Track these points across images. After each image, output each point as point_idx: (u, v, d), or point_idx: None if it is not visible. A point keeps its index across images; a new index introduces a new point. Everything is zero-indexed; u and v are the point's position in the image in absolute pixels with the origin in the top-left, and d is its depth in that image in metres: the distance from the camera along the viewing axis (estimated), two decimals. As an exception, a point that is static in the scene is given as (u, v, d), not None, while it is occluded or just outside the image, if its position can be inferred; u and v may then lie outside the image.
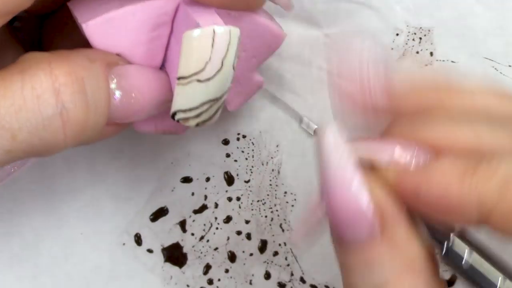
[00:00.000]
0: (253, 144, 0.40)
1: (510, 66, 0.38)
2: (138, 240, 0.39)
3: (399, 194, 0.26)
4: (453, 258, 0.25)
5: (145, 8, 0.29)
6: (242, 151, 0.40)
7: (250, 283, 0.39)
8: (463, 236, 0.26)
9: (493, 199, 0.24)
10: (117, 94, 0.29)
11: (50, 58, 0.28)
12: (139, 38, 0.30)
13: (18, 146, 0.27)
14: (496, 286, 0.25)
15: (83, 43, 0.31)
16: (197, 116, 0.30)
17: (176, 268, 0.39)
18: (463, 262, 0.25)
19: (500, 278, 0.25)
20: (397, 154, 0.26)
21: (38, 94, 0.27)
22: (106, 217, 0.39)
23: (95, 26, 0.29)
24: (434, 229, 0.26)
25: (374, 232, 0.26)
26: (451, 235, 0.25)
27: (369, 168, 0.27)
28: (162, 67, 0.32)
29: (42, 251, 0.39)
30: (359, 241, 0.26)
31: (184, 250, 0.39)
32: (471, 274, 0.25)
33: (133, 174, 0.40)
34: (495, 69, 0.38)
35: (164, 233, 0.39)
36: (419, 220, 0.26)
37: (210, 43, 0.28)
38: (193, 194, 0.40)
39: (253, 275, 0.39)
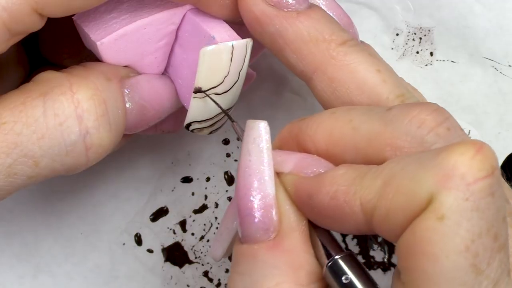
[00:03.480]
0: (253, 144, 0.40)
1: (510, 66, 0.38)
2: (138, 240, 0.39)
3: (296, 200, 0.26)
4: (331, 278, 0.25)
5: (155, 20, 0.29)
6: (242, 151, 0.40)
7: (250, 283, 0.39)
8: (350, 260, 0.25)
9: (373, 201, 0.23)
10: (130, 107, 0.29)
11: (71, 80, 0.27)
12: (147, 49, 0.30)
13: (40, 172, 0.27)
14: None
15: (82, 42, 0.31)
16: (212, 125, 0.31)
17: (176, 268, 0.39)
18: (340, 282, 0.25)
19: None
20: (298, 163, 0.27)
21: (61, 121, 0.27)
22: (106, 217, 0.39)
23: (109, 43, 0.29)
24: (327, 250, 0.26)
25: (268, 233, 0.26)
26: (335, 256, 0.25)
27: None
28: (165, 72, 0.32)
29: (42, 250, 0.39)
30: (252, 237, 0.26)
31: (184, 250, 0.39)
32: None
33: (133, 174, 0.40)
34: (495, 68, 0.39)
35: (164, 233, 0.39)
36: (318, 238, 0.26)
37: (229, 57, 0.28)
38: (193, 194, 0.40)
39: (253, 275, 0.39)
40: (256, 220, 0.26)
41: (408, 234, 0.23)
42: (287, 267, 0.25)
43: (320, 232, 0.26)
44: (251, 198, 0.26)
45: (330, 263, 0.25)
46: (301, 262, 0.25)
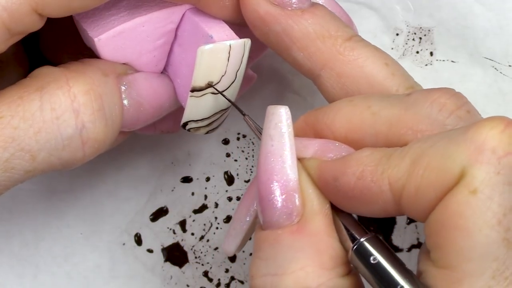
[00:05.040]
0: (253, 144, 0.40)
1: (510, 65, 0.38)
2: (138, 240, 0.39)
3: (320, 184, 0.26)
4: (358, 261, 0.25)
5: (154, 18, 0.29)
6: (242, 151, 0.40)
7: (250, 283, 0.39)
8: (375, 241, 0.25)
9: (402, 180, 0.24)
10: (127, 104, 0.30)
11: (67, 75, 0.27)
12: (146, 47, 0.30)
13: (37, 166, 0.27)
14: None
15: (83, 42, 0.31)
16: (208, 125, 0.31)
17: (176, 268, 0.39)
18: (367, 263, 0.25)
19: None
20: (320, 148, 0.27)
21: (58, 115, 0.27)
22: (106, 217, 0.39)
23: (107, 40, 0.29)
24: (351, 233, 0.26)
25: (292, 218, 0.26)
26: (361, 239, 0.25)
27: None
28: (164, 71, 0.32)
29: (42, 250, 0.39)
30: (275, 222, 0.26)
31: (184, 250, 0.39)
32: (373, 276, 0.25)
33: (133, 174, 0.40)
34: (495, 68, 0.39)
35: (164, 233, 0.39)
36: (341, 222, 0.26)
37: (226, 57, 0.28)
38: (193, 194, 0.40)
39: (253, 275, 0.39)
40: (279, 205, 0.26)
41: (440, 209, 0.23)
42: (312, 250, 0.25)
43: (343, 216, 0.26)
44: (274, 183, 0.26)
45: (356, 246, 0.25)
46: (326, 245, 0.25)
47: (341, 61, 0.29)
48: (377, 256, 0.25)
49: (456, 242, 0.22)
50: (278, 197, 0.26)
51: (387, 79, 0.28)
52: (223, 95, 0.29)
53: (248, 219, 0.28)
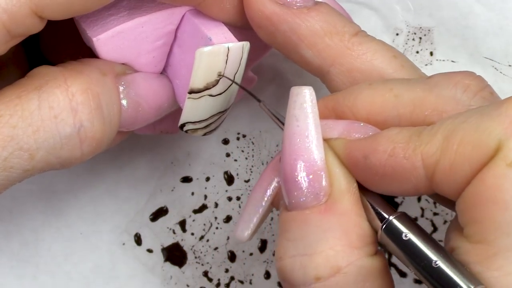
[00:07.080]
0: (253, 144, 0.40)
1: (510, 65, 0.38)
2: (138, 240, 0.39)
3: (349, 163, 0.26)
4: (388, 239, 0.25)
5: (153, 19, 0.29)
6: (242, 151, 0.40)
7: (250, 283, 0.39)
8: (404, 219, 0.25)
9: (436, 155, 0.24)
10: (125, 104, 0.30)
11: (65, 74, 0.27)
12: (145, 47, 0.30)
13: (35, 165, 0.27)
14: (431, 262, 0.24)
15: (83, 43, 0.31)
16: (206, 127, 0.31)
17: (176, 267, 0.39)
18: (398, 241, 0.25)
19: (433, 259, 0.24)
20: (345, 128, 0.27)
21: (56, 114, 0.27)
22: (106, 217, 0.39)
23: (106, 40, 0.29)
24: (379, 212, 0.26)
25: (319, 198, 0.26)
26: (390, 217, 0.25)
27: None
28: (164, 72, 0.32)
29: (42, 250, 0.39)
30: (303, 203, 0.26)
31: (184, 250, 0.39)
32: (406, 253, 0.25)
33: (133, 174, 0.40)
34: (495, 68, 0.39)
35: (164, 233, 0.39)
36: (368, 201, 0.26)
37: (224, 59, 0.28)
38: (193, 193, 0.40)
39: (253, 274, 0.39)
40: (306, 185, 0.25)
41: (475, 183, 0.23)
42: (341, 230, 0.25)
43: (370, 195, 0.26)
44: (301, 163, 0.26)
45: (386, 224, 0.25)
46: (354, 225, 0.25)
47: (350, 56, 0.29)
48: (408, 233, 0.24)
49: (493, 215, 0.22)
50: (305, 177, 0.25)
51: (397, 71, 0.29)
52: (237, 84, 0.30)
53: (264, 203, 0.28)
